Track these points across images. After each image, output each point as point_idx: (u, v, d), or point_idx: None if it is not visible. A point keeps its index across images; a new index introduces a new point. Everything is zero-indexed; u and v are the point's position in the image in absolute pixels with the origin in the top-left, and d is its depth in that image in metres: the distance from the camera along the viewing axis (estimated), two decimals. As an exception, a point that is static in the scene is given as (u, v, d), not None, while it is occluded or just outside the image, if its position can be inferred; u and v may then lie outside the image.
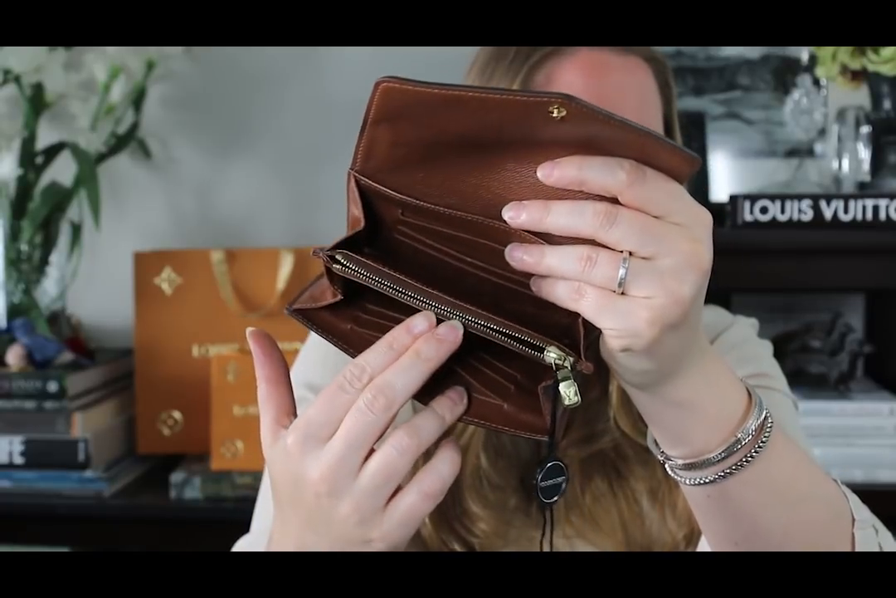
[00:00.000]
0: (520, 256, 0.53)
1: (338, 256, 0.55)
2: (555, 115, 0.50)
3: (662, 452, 0.63)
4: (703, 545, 0.83)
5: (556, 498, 0.58)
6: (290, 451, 0.56)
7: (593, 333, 0.54)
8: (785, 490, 0.63)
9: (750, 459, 0.59)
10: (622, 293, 0.51)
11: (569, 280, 0.52)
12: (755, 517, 0.62)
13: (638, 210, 0.51)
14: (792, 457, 0.63)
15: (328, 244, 0.56)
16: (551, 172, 0.52)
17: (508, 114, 0.51)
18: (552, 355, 0.53)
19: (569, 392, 0.53)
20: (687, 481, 0.62)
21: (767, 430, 0.60)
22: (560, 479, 0.58)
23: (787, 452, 0.63)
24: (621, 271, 0.51)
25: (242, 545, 0.84)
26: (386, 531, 0.56)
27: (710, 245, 0.53)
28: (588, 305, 0.52)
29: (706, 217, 0.54)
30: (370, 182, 0.56)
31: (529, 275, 0.54)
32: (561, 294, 0.52)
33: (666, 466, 0.63)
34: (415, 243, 0.58)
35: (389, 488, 0.55)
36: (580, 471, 0.86)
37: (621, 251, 0.51)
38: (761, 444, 0.60)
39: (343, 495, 0.55)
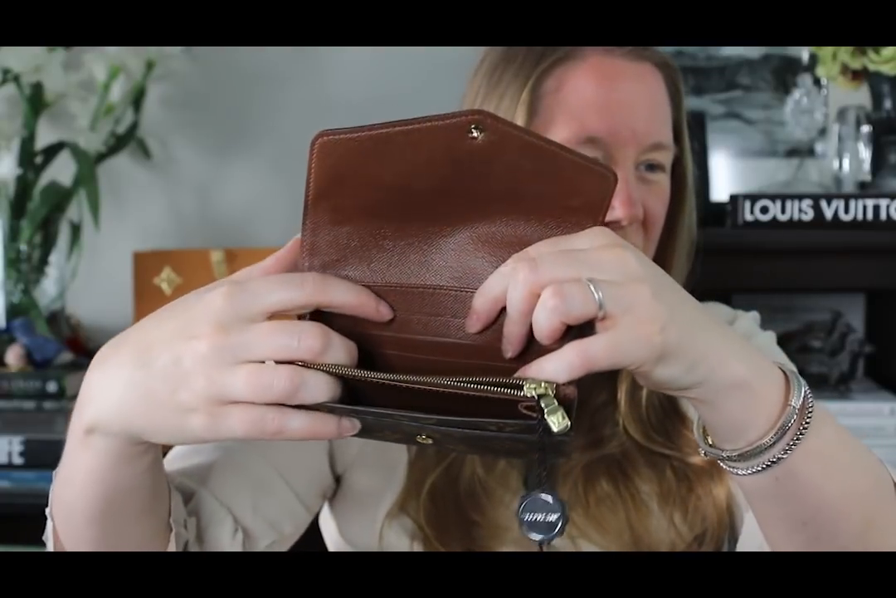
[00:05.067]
0: (505, 346, 0.54)
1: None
2: (475, 135, 0.51)
3: (723, 450, 0.61)
4: (745, 546, 0.82)
5: (553, 534, 0.54)
6: (220, 292, 0.55)
7: None
8: (840, 456, 0.62)
9: (805, 427, 0.58)
10: (603, 318, 0.51)
11: (563, 354, 0.52)
12: (821, 490, 0.61)
13: (553, 280, 0.52)
14: (834, 423, 0.63)
15: None
16: (477, 320, 0.55)
17: (434, 145, 0.52)
18: (531, 385, 0.52)
19: (556, 419, 0.52)
20: (751, 469, 0.60)
21: (809, 396, 0.59)
22: (554, 516, 0.54)
23: (829, 418, 0.62)
24: (597, 295, 0.51)
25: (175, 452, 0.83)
26: (206, 424, 0.54)
27: (621, 238, 0.55)
28: (600, 355, 0.51)
29: (598, 229, 0.54)
30: None
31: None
32: (561, 366, 0.51)
33: (724, 464, 0.62)
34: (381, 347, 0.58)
35: (233, 398, 0.54)
36: (583, 473, 0.86)
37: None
38: (810, 411, 0.59)
39: (212, 363, 0.53)
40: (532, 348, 0.55)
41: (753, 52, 1.62)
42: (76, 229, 1.56)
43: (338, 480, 0.90)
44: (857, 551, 0.63)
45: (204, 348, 0.54)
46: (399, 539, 0.85)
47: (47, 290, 1.56)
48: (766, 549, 0.69)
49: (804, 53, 1.61)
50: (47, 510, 0.69)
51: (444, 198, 0.55)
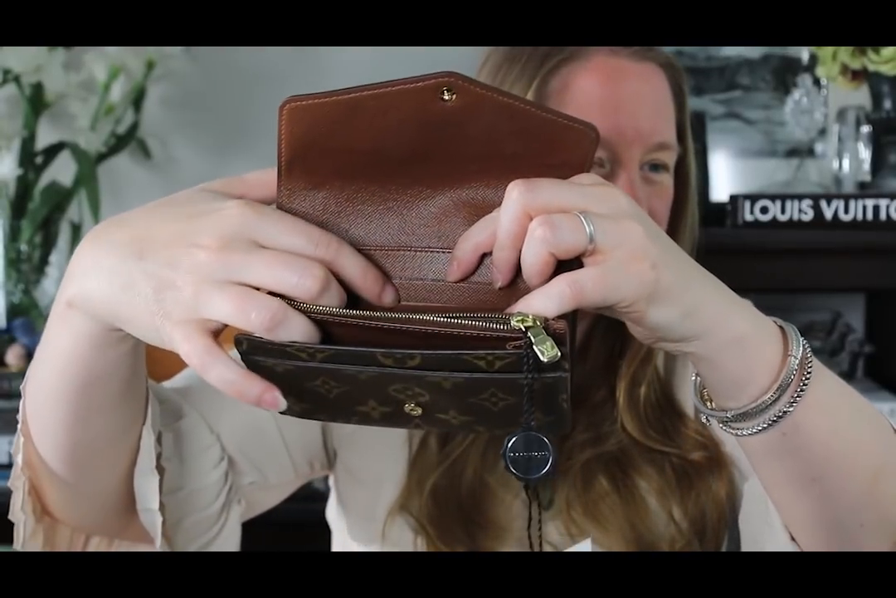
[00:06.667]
0: (495, 275, 0.53)
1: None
2: (446, 97, 0.51)
3: (726, 410, 0.60)
4: (747, 519, 0.82)
5: (539, 474, 0.53)
6: (239, 209, 0.53)
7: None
8: (843, 406, 0.62)
9: (807, 379, 0.58)
10: (593, 252, 0.51)
11: (552, 286, 0.51)
12: (828, 442, 0.61)
13: (548, 203, 0.51)
14: (832, 374, 0.62)
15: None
16: (458, 268, 0.54)
17: (405, 108, 0.51)
18: (518, 318, 0.49)
19: (545, 348, 0.49)
20: (756, 428, 0.59)
21: (808, 348, 0.59)
22: (542, 452, 0.52)
23: (827, 370, 0.62)
24: (588, 227, 0.50)
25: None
26: (160, 331, 0.53)
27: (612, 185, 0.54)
28: (590, 286, 0.50)
29: (586, 174, 0.54)
30: None
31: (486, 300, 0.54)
32: (551, 298, 0.50)
33: (727, 428, 0.61)
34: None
35: (212, 316, 0.52)
36: (582, 471, 0.86)
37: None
38: (809, 363, 0.58)
39: (200, 272, 0.52)
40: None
41: (753, 52, 1.62)
42: (76, 229, 1.56)
43: (332, 460, 0.91)
44: (867, 506, 0.62)
45: (202, 258, 0.52)
46: (402, 535, 0.85)
47: (48, 290, 1.56)
48: (769, 518, 0.69)
49: (804, 53, 1.61)
50: (21, 386, 0.67)
51: (421, 161, 0.54)
